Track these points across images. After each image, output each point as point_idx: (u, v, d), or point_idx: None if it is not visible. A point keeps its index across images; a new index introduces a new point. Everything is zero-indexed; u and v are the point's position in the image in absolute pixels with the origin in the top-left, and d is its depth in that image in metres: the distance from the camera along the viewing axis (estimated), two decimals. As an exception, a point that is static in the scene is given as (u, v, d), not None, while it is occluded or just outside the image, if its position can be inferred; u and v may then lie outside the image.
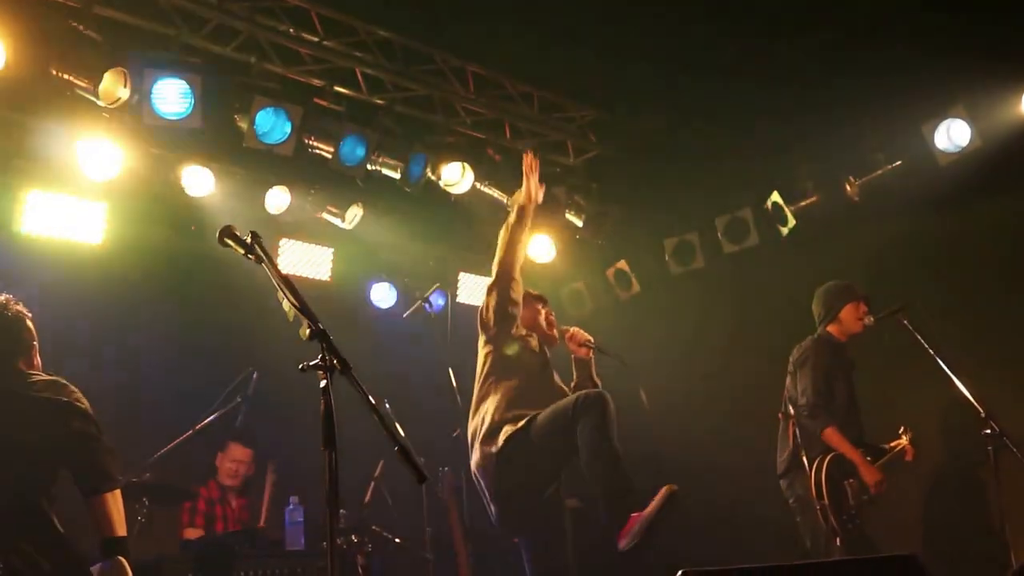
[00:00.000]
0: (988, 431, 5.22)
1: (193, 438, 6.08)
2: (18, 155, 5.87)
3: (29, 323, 3.96)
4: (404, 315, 7.56)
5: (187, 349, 6.89)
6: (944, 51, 5.75)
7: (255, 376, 6.29)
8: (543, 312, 5.56)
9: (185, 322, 6.92)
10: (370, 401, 2.89)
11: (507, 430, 4.87)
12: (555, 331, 5.49)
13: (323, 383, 2.92)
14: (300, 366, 2.94)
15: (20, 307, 3.96)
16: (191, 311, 6.92)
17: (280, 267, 3.22)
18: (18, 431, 3.64)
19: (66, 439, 3.67)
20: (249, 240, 3.25)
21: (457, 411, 6.84)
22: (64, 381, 3.82)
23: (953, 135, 6.57)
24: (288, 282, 3.16)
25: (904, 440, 5.87)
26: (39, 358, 3.98)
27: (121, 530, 3.70)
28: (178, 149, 6.21)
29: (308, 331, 3.00)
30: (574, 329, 5.47)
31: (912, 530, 6.70)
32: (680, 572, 2.73)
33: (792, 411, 5.83)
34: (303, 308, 3.06)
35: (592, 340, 5.45)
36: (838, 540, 5.40)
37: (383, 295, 8.10)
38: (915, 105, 6.64)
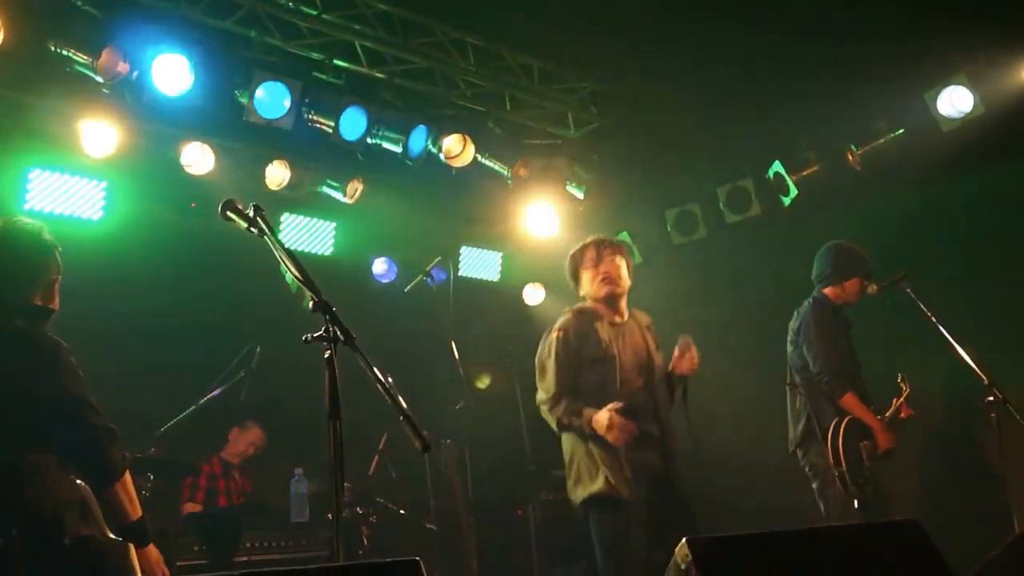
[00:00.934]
0: (991, 398, 5.23)
1: (197, 413, 6.11)
2: (17, 132, 5.86)
3: (57, 255, 3.79)
4: (406, 289, 7.56)
5: (190, 324, 6.89)
6: (946, 18, 5.72)
7: (258, 351, 6.31)
8: (600, 268, 5.22)
9: (187, 297, 6.91)
10: (374, 370, 2.90)
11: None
12: (616, 282, 5.20)
13: (327, 354, 2.94)
14: (304, 338, 2.96)
15: (50, 237, 3.78)
16: (193, 287, 6.92)
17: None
18: (13, 379, 3.50)
19: (62, 427, 3.52)
20: (251, 213, 3.26)
21: (459, 384, 6.88)
22: (65, 350, 3.62)
23: (955, 102, 6.55)
24: (291, 254, 3.17)
25: (904, 388, 5.83)
26: (58, 294, 3.80)
27: (134, 514, 3.61)
28: (178, 125, 6.19)
29: (311, 303, 3.02)
30: (693, 354, 5.20)
31: (914, 496, 6.73)
32: (684, 540, 2.73)
33: (799, 380, 5.82)
34: (306, 280, 3.07)
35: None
36: (856, 503, 5.41)
37: (385, 269, 8.11)
38: (917, 72, 6.61)
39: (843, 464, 5.44)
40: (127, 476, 3.61)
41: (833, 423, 5.55)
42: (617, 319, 5.21)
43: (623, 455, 4.89)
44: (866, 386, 5.86)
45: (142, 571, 3.58)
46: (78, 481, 3.65)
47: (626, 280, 5.25)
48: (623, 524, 4.91)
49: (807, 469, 5.76)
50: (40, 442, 3.49)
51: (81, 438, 3.52)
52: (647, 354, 5.22)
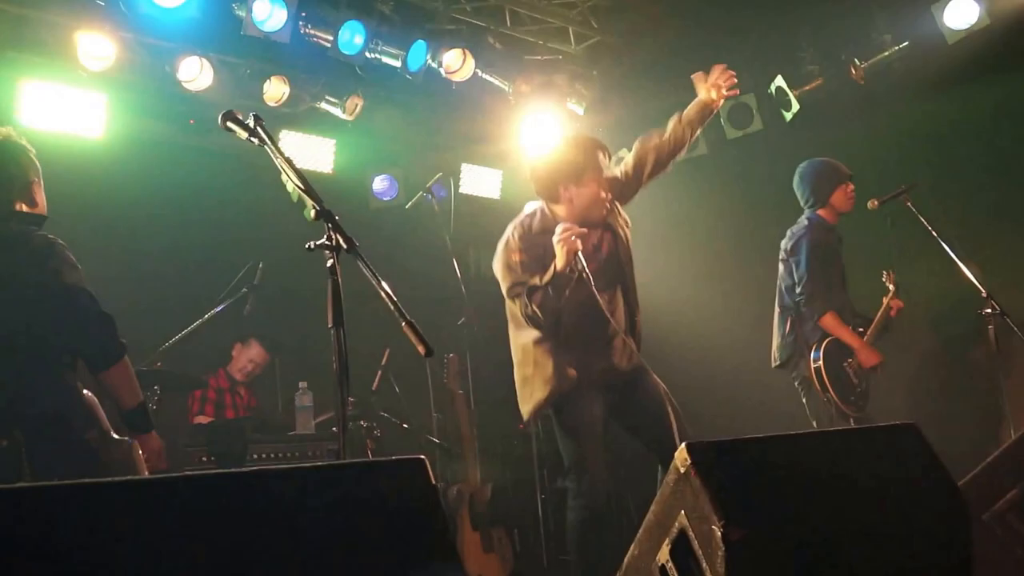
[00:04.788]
0: (988, 310, 5.28)
1: (202, 328, 6.15)
2: (11, 45, 5.77)
3: (31, 156, 3.83)
4: (407, 206, 7.55)
5: (191, 240, 6.90)
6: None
7: (261, 266, 6.34)
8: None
9: (189, 214, 6.91)
10: (376, 278, 2.92)
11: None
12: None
13: (330, 263, 2.96)
14: (307, 245, 2.97)
15: (22, 140, 3.82)
16: (195, 203, 6.91)
17: (280, 155, 3.21)
18: (12, 278, 3.58)
19: (59, 314, 3.60)
20: (251, 123, 3.25)
21: (462, 300, 6.91)
22: (60, 245, 3.70)
23: (961, 13, 6.47)
24: (291, 164, 3.16)
25: (890, 287, 5.92)
26: (42, 195, 3.85)
27: (134, 399, 3.74)
28: (175, 39, 6.11)
29: (313, 212, 3.02)
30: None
31: (912, 407, 6.80)
32: (684, 444, 2.77)
33: (787, 299, 5.87)
34: (308, 189, 3.07)
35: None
36: (851, 421, 5.50)
37: (385, 186, 8.08)
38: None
39: (829, 388, 5.52)
40: (126, 361, 3.72)
41: (814, 347, 5.62)
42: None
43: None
44: (851, 303, 5.91)
45: (144, 457, 3.67)
46: (84, 390, 3.72)
47: None
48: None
49: (797, 383, 5.83)
50: (42, 339, 3.56)
51: (78, 323, 3.62)
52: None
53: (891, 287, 5.95)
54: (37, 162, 3.85)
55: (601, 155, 4.69)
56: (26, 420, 3.46)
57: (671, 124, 4.94)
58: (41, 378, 3.54)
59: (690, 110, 4.96)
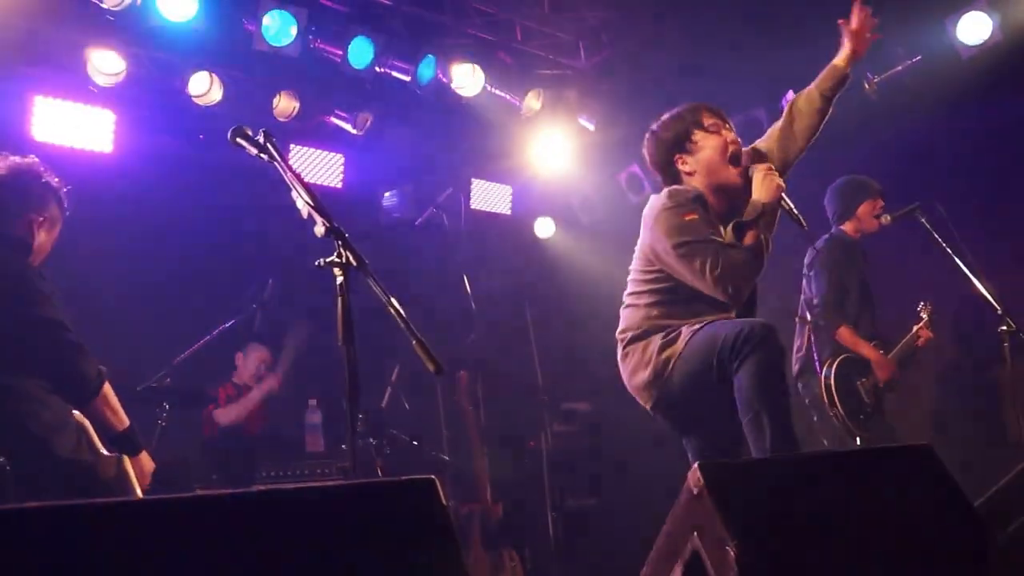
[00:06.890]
0: (1004, 327, 5.23)
1: (211, 344, 6.13)
2: (23, 61, 5.79)
3: (23, 183, 3.80)
4: (417, 222, 7.53)
5: (202, 256, 6.89)
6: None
7: (271, 283, 6.32)
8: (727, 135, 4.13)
9: (199, 229, 6.90)
10: (386, 295, 2.91)
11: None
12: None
13: (339, 280, 2.94)
14: (317, 262, 2.96)
15: (36, 167, 3.83)
16: (205, 218, 6.90)
17: (289, 171, 3.20)
18: None
19: (34, 348, 3.58)
20: (261, 139, 3.24)
21: (472, 317, 6.89)
22: (32, 273, 3.69)
23: (974, 28, 6.43)
24: (301, 180, 3.16)
25: (924, 317, 5.86)
26: (41, 231, 3.81)
27: (120, 425, 3.71)
28: (185, 54, 6.12)
29: (323, 229, 3.01)
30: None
31: (926, 426, 6.75)
32: (696, 464, 2.74)
33: (809, 314, 5.85)
34: (317, 206, 3.06)
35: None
36: (857, 440, 5.47)
37: (395, 202, 8.06)
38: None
39: (837, 405, 5.49)
40: (107, 389, 3.69)
41: (827, 363, 5.59)
42: None
43: None
44: (875, 321, 5.87)
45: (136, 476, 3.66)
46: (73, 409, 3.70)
47: None
48: None
49: (807, 400, 5.80)
50: (23, 367, 3.55)
51: (54, 357, 3.61)
52: None
53: (925, 316, 5.87)
54: (45, 200, 3.83)
55: (704, 113, 4.19)
56: (11, 443, 3.44)
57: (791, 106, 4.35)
58: (26, 403, 3.52)
59: (823, 79, 4.33)
